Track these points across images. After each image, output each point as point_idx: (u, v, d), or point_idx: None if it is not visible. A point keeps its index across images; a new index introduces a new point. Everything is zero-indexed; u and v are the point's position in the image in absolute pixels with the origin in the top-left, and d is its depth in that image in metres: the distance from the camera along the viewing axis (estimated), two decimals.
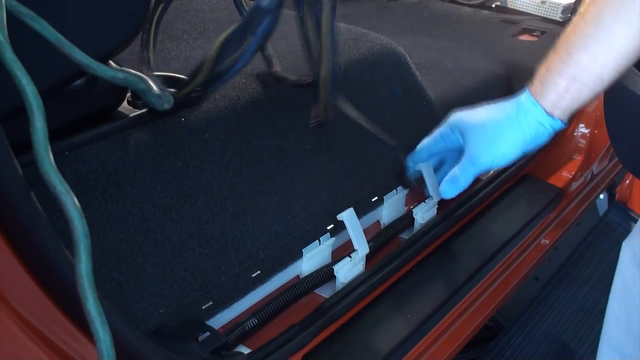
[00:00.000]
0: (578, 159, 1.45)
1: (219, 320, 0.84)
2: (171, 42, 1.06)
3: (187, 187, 0.80)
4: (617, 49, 0.79)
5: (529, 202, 1.29)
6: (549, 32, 1.68)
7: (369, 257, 0.97)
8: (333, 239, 0.96)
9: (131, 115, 0.79)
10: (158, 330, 0.76)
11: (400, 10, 1.84)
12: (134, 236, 0.75)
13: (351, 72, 1.03)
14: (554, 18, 1.76)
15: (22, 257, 0.54)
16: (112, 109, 0.80)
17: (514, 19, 1.79)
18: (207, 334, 0.78)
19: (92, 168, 0.71)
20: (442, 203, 1.10)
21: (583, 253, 1.58)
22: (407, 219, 1.07)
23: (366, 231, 0.99)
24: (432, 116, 1.13)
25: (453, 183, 0.94)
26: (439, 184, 1.00)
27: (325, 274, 0.92)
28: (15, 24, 0.54)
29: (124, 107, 0.81)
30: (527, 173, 1.37)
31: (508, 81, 1.41)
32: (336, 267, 0.92)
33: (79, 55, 0.60)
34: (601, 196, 1.77)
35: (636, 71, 0.83)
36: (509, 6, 1.87)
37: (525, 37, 1.72)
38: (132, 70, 0.72)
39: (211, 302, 0.82)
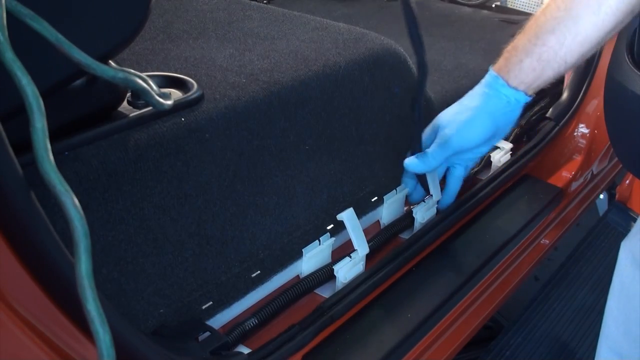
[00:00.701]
0: (578, 159, 1.45)
1: (219, 320, 0.84)
2: (171, 42, 1.06)
3: (187, 187, 0.80)
4: (583, 35, 0.83)
5: (529, 202, 1.29)
6: None
7: (368, 257, 0.97)
8: (333, 239, 0.96)
9: (131, 115, 0.79)
10: (158, 330, 0.76)
11: (401, 10, 1.84)
12: (134, 236, 0.74)
13: (351, 72, 1.03)
14: None
15: (22, 257, 0.54)
16: (112, 109, 0.80)
17: (514, 19, 1.78)
18: (207, 334, 0.78)
19: (92, 168, 0.70)
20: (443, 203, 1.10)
21: (583, 253, 1.58)
22: (407, 219, 1.07)
23: (366, 231, 0.99)
24: (432, 116, 1.12)
25: (421, 159, 0.99)
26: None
27: (325, 274, 0.93)
28: (15, 24, 0.54)
29: (124, 107, 0.81)
30: (527, 173, 1.37)
31: None
32: (336, 267, 0.92)
33: (79, 55, 0.60)
34: (601, 196, 1.77)
35: (636, 71, 0.83)
36: (509, 6, 1.87)
37: None
38: (132, 70, 0.72)
39: (211, 302, 0.82)
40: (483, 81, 0.96)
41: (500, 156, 1.26)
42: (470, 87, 1.32)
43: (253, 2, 1.30)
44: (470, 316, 1.05)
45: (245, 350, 0.81)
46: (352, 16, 1.72)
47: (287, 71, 0.97)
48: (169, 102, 0.77)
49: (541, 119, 1.42)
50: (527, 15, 1.81)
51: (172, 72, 0.91)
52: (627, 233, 1.03)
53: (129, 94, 0.82)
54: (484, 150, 1.01)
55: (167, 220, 0.78)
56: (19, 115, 0.53)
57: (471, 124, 0.95)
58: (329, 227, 0.97)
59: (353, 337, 0.89)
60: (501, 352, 1.27)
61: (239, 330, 0.81)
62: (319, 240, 0.94)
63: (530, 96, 0.94)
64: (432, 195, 1.08)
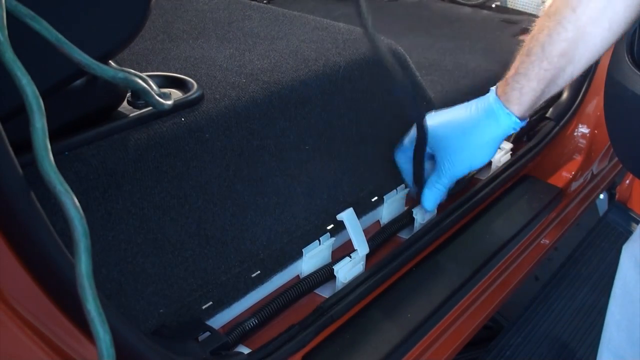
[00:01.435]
0: (578, 159, 1.45)
1: (219, 320, 0.84)
2: (171, 42, 1.06)
3: (187, 187, 0.80)
4: (592, 52, 0.85)
5: (529, 202, 1.29)
6: None
7: (368, 257, 0.97)
8: (333, 239, 0.96)
9: (131, 115, 0.79)
10: (158, 330, 0.76)
11: (400, 10, 1.84)
12: (134, 236, 0.74)
13: (351, 72, 1.03)
14: None
15: (22, 257, 0.54)
16: (112, 109, 0.80)
17: (514, 19, 1.78)
18: (207, 334, 0.78)
19: (92, 168, 0.70)
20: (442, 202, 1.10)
21: (583, 253, 1.58)
22: (407, 219, 1.07)
23: (366, 231, 0.99)
24: None
25: (431, 191, 0.99)
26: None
27: (325, 274, 0.93)
28: (15, 24, 0.54)
29: (124, 107, 0.81)
30: (527, 173, 1.37)
31: None
32: (336, 267, 0.92)
33: (79, 55, 0.60)
34: (601, 196, 1.77)
35: (636, 71, 0.83)
36: (509, 6, 1.87)
37: (525, 37, 1.72)
38: (132, 70, 0.72)
39: (211, 302, 0.82)
40: (484, 104, 0.94)
41: (500, 156, 1.26)
42: (471, 87, 1.32)
43: (253, 2, 1.30)
44: (470, 316, 1.05)
45: (245, 350, 0.81)
46: (352, 16, 1.71)
47: (287, 71, 0.97)
48: (169, 102, 0.77)
49: (541, 119, 1.42)
50: (527, 15, 1.82)
51: (172, 72, 0.91)
52: (627, 233, 1.03)
53: (129, 94, 0.82)
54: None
55: (167, 220, 0.78)
56: (19, 115, 0.53)
57: (469, 155, 0.95)
58: (329, 227, 0.97)
59: (353, 337, 0.89)
60: (501, 352, 1.27)
61: (239, 330, 0.81)
62: (319, 240, 0.94)
63: (528, 118, 0.94)
64: None
